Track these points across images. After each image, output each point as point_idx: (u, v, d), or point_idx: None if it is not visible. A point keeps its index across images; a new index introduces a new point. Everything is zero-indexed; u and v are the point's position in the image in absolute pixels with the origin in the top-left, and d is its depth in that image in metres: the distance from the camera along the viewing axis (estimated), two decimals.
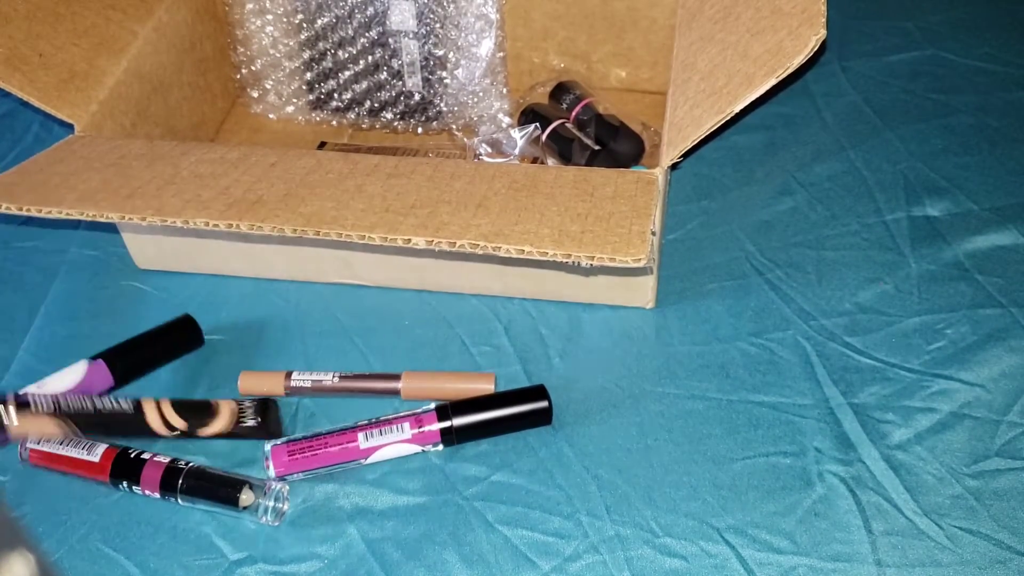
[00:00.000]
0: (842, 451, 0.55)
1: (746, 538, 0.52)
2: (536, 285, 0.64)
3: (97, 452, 0.56)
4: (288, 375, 0.60)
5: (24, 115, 0.84)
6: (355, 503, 0.55)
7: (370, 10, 0.73)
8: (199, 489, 0.54)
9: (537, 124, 0.72)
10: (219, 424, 0.57)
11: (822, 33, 0.50)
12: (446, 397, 0.59)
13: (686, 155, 0.56)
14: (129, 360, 0.62)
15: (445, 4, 0.72)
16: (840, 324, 0.62)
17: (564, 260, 0.51)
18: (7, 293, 0.69)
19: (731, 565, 0.51)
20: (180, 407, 0.57)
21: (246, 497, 0.54)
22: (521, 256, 0.52)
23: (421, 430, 0.56)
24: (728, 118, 0.53)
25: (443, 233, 0.53)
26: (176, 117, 0.75)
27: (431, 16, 0.72)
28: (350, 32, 0.75)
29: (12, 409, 0.55)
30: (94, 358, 0.61)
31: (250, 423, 0.57)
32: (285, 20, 0.76)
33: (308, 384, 0.60)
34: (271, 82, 0.79)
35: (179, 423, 0.57)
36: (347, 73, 0.76)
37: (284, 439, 0.56)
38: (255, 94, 0.80)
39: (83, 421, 0.56)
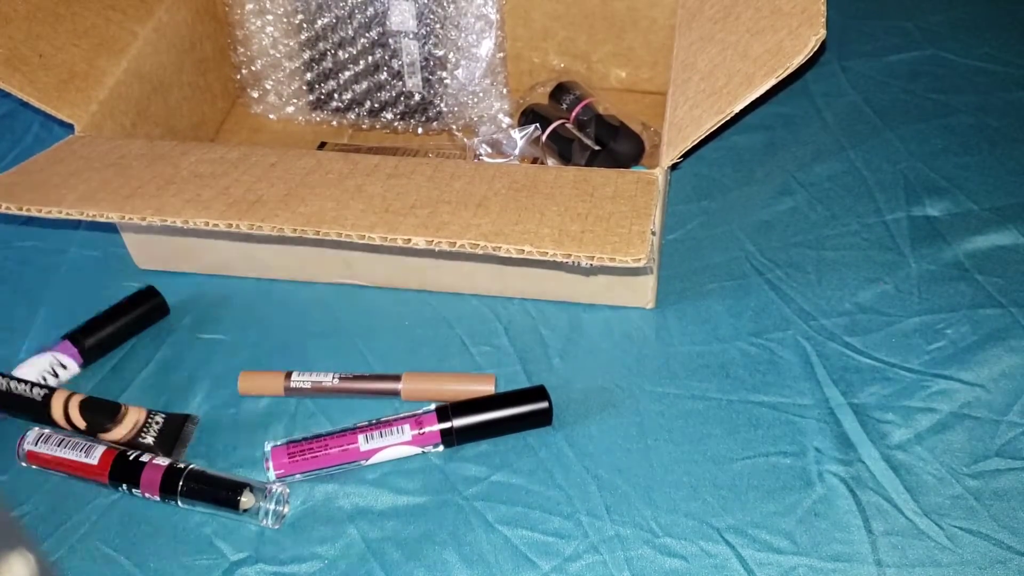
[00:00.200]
0: (842, 451, 0.55)
1: (746, 538, 0.52)
2: (536, 285, 0.64)
3: (95, 454, 0.56)
4: (288, 375, 0.60)
5: (24, 115, 0.84)
6: (355, 503, 0.55)
7: (370, 10, 0.73)
8: (199, 492, 0.54)
9: (537, 124, 0.72)
10: (119, 432, 0.58)
11: (822, 33, 0.50)
12: (446, 398, 0.59)
13: (686, 155, 0.56)
14: (95, 336, 0.63)
15: (445, 4, 0.72)
16: (840, 324, 0.62)
17: (564, 260, 0.51)
18: (7, 293, 0.69)
19: (731, 565, 0.51)
20: (87, 406, 0.58)
21: (246, 500, 0.54)
22: (521, 256, 0.52)
23: (421, 431, 0.56)
24: (728, 118, 0.53)
25: (443, 233, 0.53)
26: (176, 117, 0.75)
27: (431, 16, 0.72)
28: (350, 32, 0.75)
29: None
30: (61, 339, 0.63)
31: (147, 440, 0.57)
32: (285, 20, 0.76)
33: (308, 385, 0.60)
34: (271, 82, 0.79)
35: (80, 422, 0.58)
36: (347, 73, 0.76)
37: (284, 440, 0.56)
38: (255, 94, 0.80)
39: None
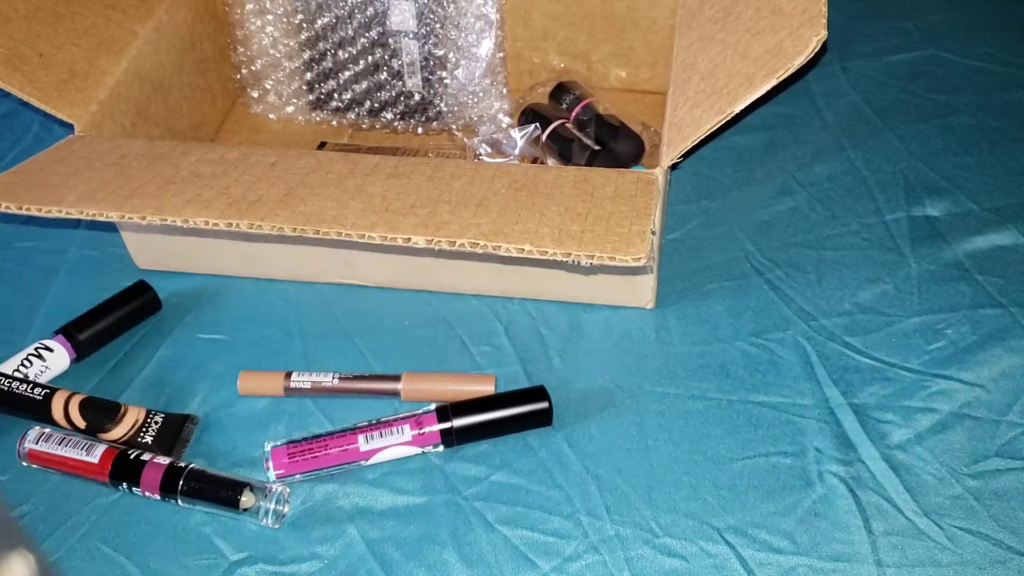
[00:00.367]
0: (842, 451, 0.55)
1: (746, 538, 0.52)
2: (536, 285, 0.64)
3: (96, 453, 0.56)
4: (288, 375, 0.60)
5: (24, 115, 0.84)
6: (355, 503, 0.55)
7: (370, 10, 0.73)
8: (199, 491, 0.54)
9: (537, 124, 0.72)
10: (118, 432, 0.58)
11: (823, 34, 0.50)
12: (446, 398, 0.59)
13: (686, 155, 0.56)
14: (84, 325, 0.63)
15: (445, 4, 0.72)
16: (840, 324, 0.62)
17: (564, 259, 0.51)
18: (7, 293, 0.69)
19: (731, 565, 0.51)
20: (87, 406, 0.58)
21: (247, 499, 0.54)
22: (521, 255, 0.52)
23: (421, 432, 0.56)
24: (728, 118, 0.53)
25: (443, 232, 0.53)
26: (176, 117, 0.75)
27: (431, 16, 0.72)
28: (350, 32, 0.75)
29: None
30: (55, 333, 0.63)
31: (146, 440, 0.58)
32: (285, 20, 0.76)
33: (308, 385, 0.60)
34: (271, 82, 0.79)
35: (80, 422, 0.58)
36: (347, 73, 0.76)
37: (284, 440, 0.56)
38: (255, 94, 0.80)
39: None
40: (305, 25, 0.75)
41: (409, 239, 0.53)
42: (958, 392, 0.58)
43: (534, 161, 0.72)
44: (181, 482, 0.54)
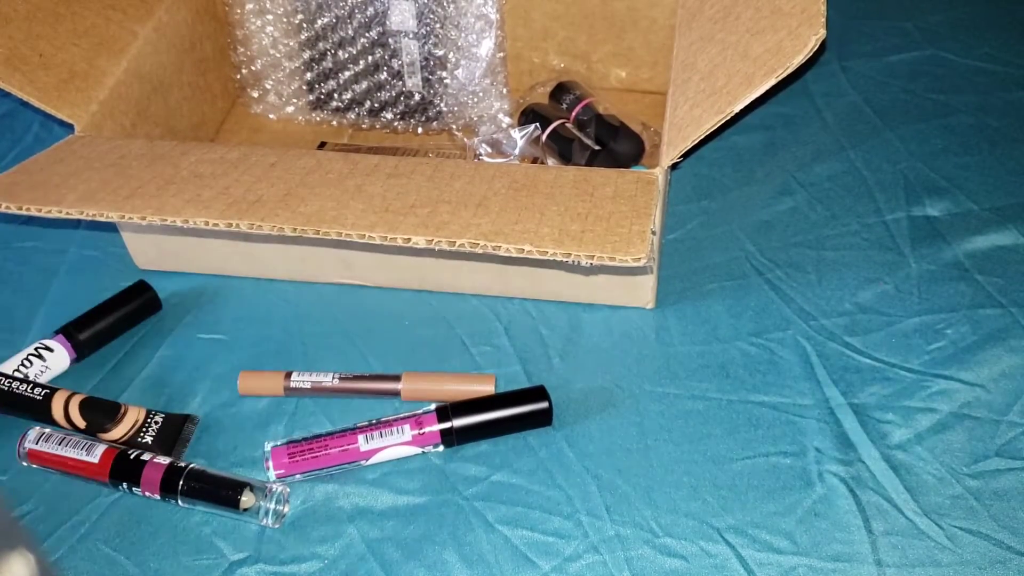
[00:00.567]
0: (842, 451, 0.55)
1: (746, 538, 0.52)
2: (536, 285, 0.64)
3: (96, 453, 0.56)
4: (288, 375, 0.60)
5: (24, 115, 0.84)
6: (355, 503, 0.55)
7: (370, 10, 0.73)
8: (200, 491, 0.54)
9: (537, 124, 0.72)
10: (118, 432, 0.58)
11: (822, 33, 0.50)
12: (446, 398, 0.59)
13: (686, 155, 0.56)
14: (84, 326, 0.63)
15: (445, 4, 0.72)
16: (840, 324, 0.62)
17: (564, 259, 0.51)
18: (7, 293, 0.69)
19: (731, 565, 0.51)
20: (87, 406, 0.58)
21: (247, 499, 0.54)
22: (521, 255, 0.52)
23: (421, 432, 0.56)
24: (728, 118, 0.53)
25: (443, 232, 0.53)
26: (176, 117, 0.75)
27: (431, 16, 0.72)
28: (350, 32, 0.75)
29: None
30: (55, 333, 0.63)
31: (146, 440, 0.58)
32: (285, 20, 0.76)
33: (308, 385, 0.60)
34: (271, 82, 0.79)
35: (80, 422, 0.58)
36: (347, 73, 0.76)
37: (284, 440, 0.56)
38: (255, 94, 0.80)
39: None
40: (305, 25, 0.75)
41: (409, 239, 0.53)
42: (958, 392, 0.58)
43: (534, 161, 0.72)
44: (181, 482, 0.54)
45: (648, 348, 0.62)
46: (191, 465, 0.55)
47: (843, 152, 0.73)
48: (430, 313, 0.65)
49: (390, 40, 0.74)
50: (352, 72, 0.76)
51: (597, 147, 0.71)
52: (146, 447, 0.57)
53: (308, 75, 0.78)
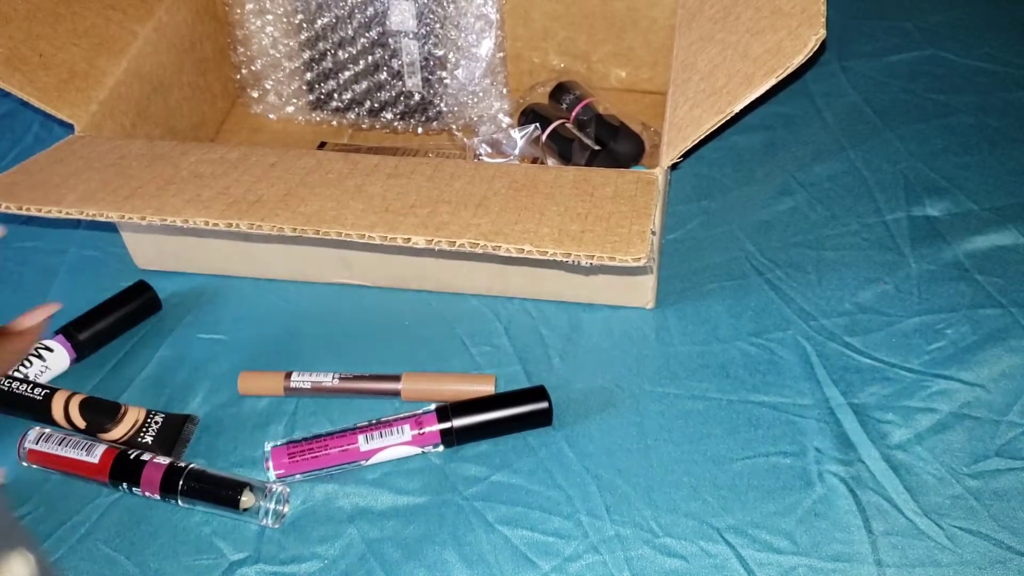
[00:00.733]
0: (842, 451, 0.55)
1: (746, 538, 0.52)
2: (536, 285, 0.64)
3: (96, 453, 0.56)
4: (288, 375, 0.60)
5: (24, 115, 0.84)
6: (355, 503, 0.55)
7: (370, 10, 0.73)
8: (200, 491, 0.54)
9: (537, 124, 0.72)
10: (118, 432, 0.58)
11: (822, 33, 0.50)
12: (446, 398, 0.59)
13: (686, 155, 0.56)
14: (84, 326, 0.64)
15: (445, 4, 0.72)
16: (840, 324, 0.62)
17: (564, 259, 0.51)
18: (7, 293, 0.69)
19: (731, 565, 0.51)
20: (87, 406, 0.58)
21: (247, 499, 0.54)
22: (521, 255, 0.52)
23: (421, 432, 0.56)
24: (728, 118, 0.53)
25: (443, 232, 0.53)
26: (176, 117, 0.75)
27: (431, 16, 0.72)
28: (350, 32, 0.75)
29: None
30: (55, 333, 0.63)
31: (146, 440, 0.58)
32: (285, 20, 0.76)
33: (308, 385, 0.60)
34: (271, 82, 0.79)
35: (80, 422, 0.58)
36: (347, 73, 0.76)
37: (284, 440, 0.56)
38: (255, 94, 0.80)
39: None
40: (305, 25, 0.75)
41: (409, 239, 0.53)
42: (958, 392, 0.58)
43: (534, 161, 0.72)
44: (181, 482, 0.54)
45: (648, 348, 0.62)
46: (191, 465, 0.55)
47: (843, 152, 0.73)
48: (430, 313, 0.65)
49: (390, 40, 0.74)
50: (352, 72, 0.76)
51: (597, 147, 0.71)
52: (146, 447, 0.57)
53: (308, 75, 0.78)
